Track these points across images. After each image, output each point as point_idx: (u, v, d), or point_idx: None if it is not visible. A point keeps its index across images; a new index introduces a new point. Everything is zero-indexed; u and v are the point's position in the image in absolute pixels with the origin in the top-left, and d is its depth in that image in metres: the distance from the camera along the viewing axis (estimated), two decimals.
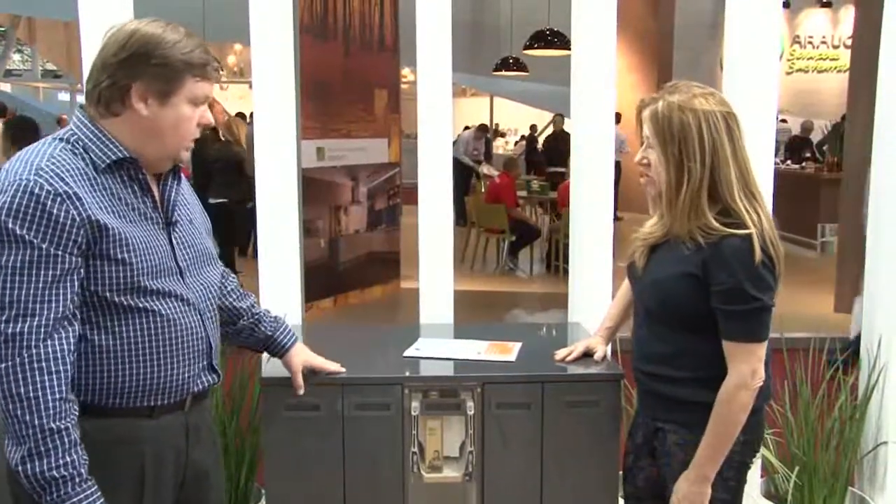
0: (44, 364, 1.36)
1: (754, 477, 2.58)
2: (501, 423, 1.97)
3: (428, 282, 2.62)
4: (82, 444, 1.40)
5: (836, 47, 13.24)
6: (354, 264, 4.67)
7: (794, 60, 13.30)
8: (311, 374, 1.94)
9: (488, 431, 1.97)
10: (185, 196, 1.64)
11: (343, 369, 1.96)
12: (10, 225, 1.35)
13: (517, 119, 18.06)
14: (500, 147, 17.40)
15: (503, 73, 10.74)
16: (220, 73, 1.60)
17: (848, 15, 12.75)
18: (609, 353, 2.12)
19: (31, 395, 1.35)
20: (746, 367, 1.65)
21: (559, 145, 10.46)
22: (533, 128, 15.48)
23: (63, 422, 1.37)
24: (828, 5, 13.09)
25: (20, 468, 1.36)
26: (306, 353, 1.93)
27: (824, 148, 10.20)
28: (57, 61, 17.64)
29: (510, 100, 15.66)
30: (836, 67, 13.09)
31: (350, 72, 4.50)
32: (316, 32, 4.21)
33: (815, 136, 10.96)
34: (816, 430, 2.57)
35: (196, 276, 1.59)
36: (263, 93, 2.52)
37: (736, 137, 1.69)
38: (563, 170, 9.48)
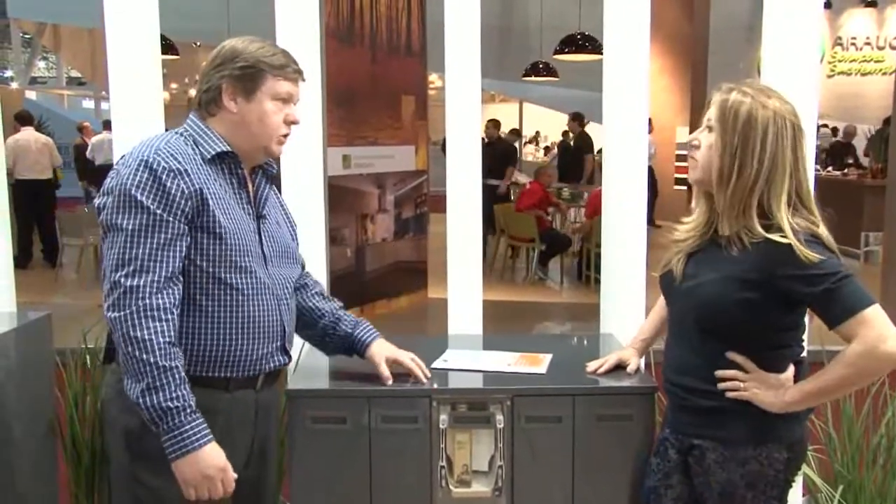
0: (155, 313, 1.58)
1: (796, 495, 2.49)
2: (531, 436, 1.93)
3: (456, 291, 2.58)
4: (189, 384, 1.60)
5: (881, 48, 12.87)
6: (381, 273, 4.65)
7: (836, 63, 12.98)
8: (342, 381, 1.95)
9: (518, 445, 1.92)
10: (276, 200, 1.89)
11: (425, 378, 1.95)
12: (133, 192, 1.59)
13: (547, 125, 17.99)
14: (530, 154, 17.34)
15: (533, 78, 10.69)
16: (303, 76, 1.79)
17: (894, 14, 12.45)
18: (643, 365, 2.07)
19: (146, 337, 1.56)
20: (869, 333, 1.53)
21: (494, 155, 9.13)
22: (565, 134, 15.37)
23: (173, 361, 1.58)
24: (872, 5, 12.69)
25: (140, 401, 1.57)
26: (389, 347, 1.98)
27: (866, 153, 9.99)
28: (81, 69, 17.93)
29: (540, 105, 15.58)
30: (880, 70, 12.75)
31: (377, 78, 4.49)
32: (342, 38, 4.20)
33: (858, 142, 10.71)
34: (861, 448, 2.47)
35: (277, 266, 1.80)
36: None
37: (800, 153, 1.64)
38: (497, 182, 8.20)
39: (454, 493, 1.93)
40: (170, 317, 1.59)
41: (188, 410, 1.58)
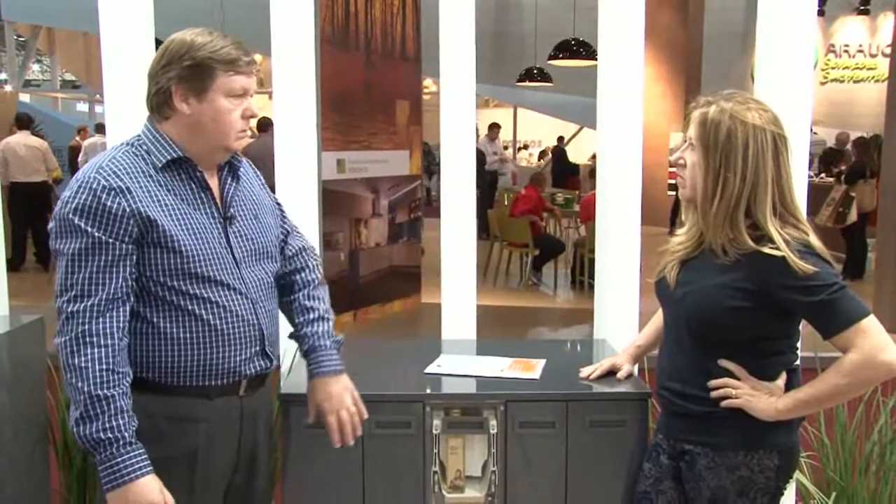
0: (94, 339, 1.54)
1: (789, 502, 2.49)
2: (525, 442, 1.93)
3: (450, 297, 2.57)
4: (130, 413, 1.56)
5: (873, 56, 12.94)
6: (375, 278, 4.64)
7: (829, 70, 13.03)
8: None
9: (511, 451, 1.92)
10: (253, 191, 1.79)
11: (340, 443, 1.77)
12: (71, 216, 1.56)
13: (541, 130, 18.02)
14: (524, 160, 17.36)
15: (527, 83, 10.73)
16: (256, 66, 1.70)
17: (887, 22, 12.51)
18: (636, 371, 2.06)
19: (82, 364, 1.53)
20: (865, 342, 1.55)
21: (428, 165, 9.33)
22: (560, 139, 15.42)
23: (110, 390, 1.53)
24: (865, 13, 12.80)
25: (75, 429, 1.54)
26: (324, 393, 1.78)
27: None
28: (76, 72, 17.84)
29: (534, 111, 15.62)
30: (873, 77, 12.80)
31: (371, 83, 4.49)
32: (337, 43, 4.20)
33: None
34: (854, 454, 2.47)
35: (252, 267, 1.72)
36: (284, 104, 2.50)
37: (782, 162, 1.64)
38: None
39: (447, 498, 1.93)
40: (111, 342, 1.55)
41: (121, 442, 1.53)
